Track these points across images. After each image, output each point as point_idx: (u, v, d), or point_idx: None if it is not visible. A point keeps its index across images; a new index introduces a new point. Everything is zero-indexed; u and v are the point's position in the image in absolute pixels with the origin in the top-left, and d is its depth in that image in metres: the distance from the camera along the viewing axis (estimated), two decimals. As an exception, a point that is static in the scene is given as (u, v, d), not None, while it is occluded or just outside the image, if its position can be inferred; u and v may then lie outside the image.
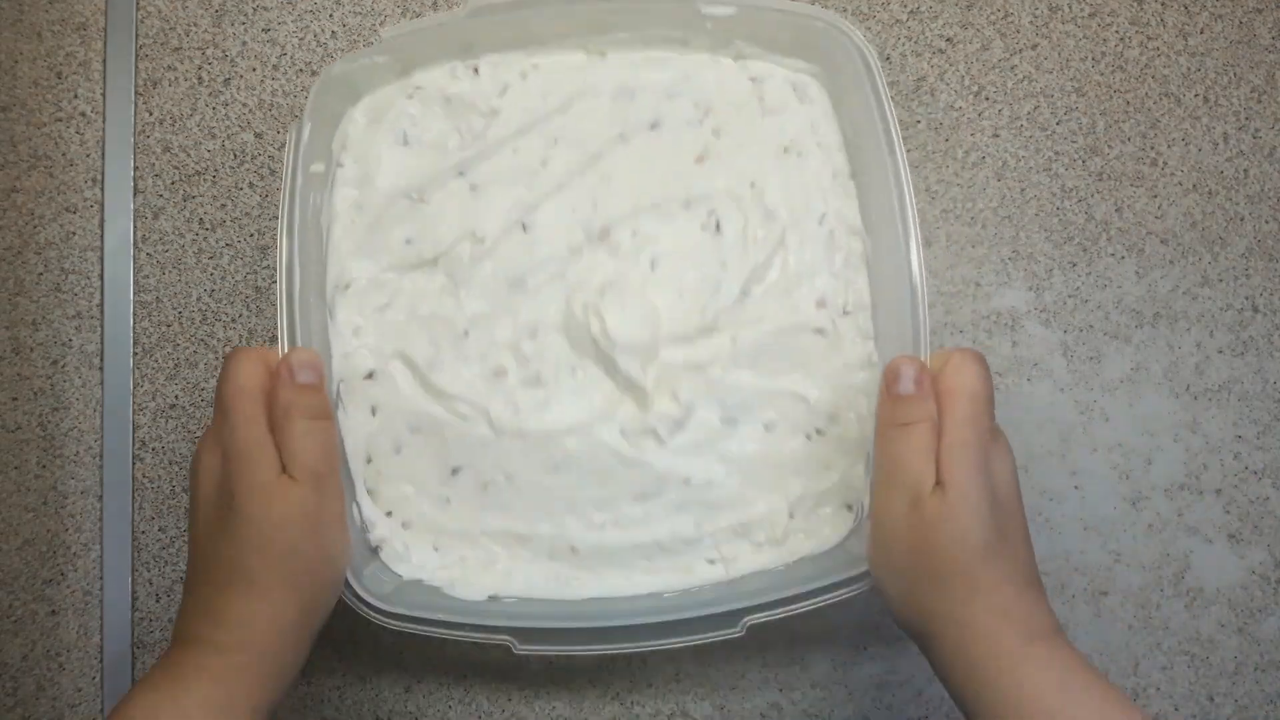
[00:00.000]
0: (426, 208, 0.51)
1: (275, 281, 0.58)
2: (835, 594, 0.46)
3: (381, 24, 0.59)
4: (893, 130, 0.47)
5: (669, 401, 0.50)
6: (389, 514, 0.50)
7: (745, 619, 0.46)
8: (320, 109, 0.49)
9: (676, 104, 0.52)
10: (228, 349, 0.57)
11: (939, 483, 0.41)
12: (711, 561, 0.50)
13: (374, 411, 0.50)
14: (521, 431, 0.50)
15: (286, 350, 0.45)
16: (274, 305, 0.57)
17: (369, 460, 0.50)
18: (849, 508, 0.50)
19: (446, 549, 0.50)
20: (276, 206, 0.58)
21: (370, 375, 0.50)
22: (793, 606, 0.46)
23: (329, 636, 0.57)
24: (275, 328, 0.57)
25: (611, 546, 0.50)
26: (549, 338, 0.51)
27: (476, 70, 0.52)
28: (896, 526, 0.42)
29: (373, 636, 0.54)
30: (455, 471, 0.50)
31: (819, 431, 0.50)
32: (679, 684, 0.56)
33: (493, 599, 0.49)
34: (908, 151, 0.58)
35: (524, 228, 0.51)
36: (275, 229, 0.58)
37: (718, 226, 0.51)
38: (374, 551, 0.49)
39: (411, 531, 0.50)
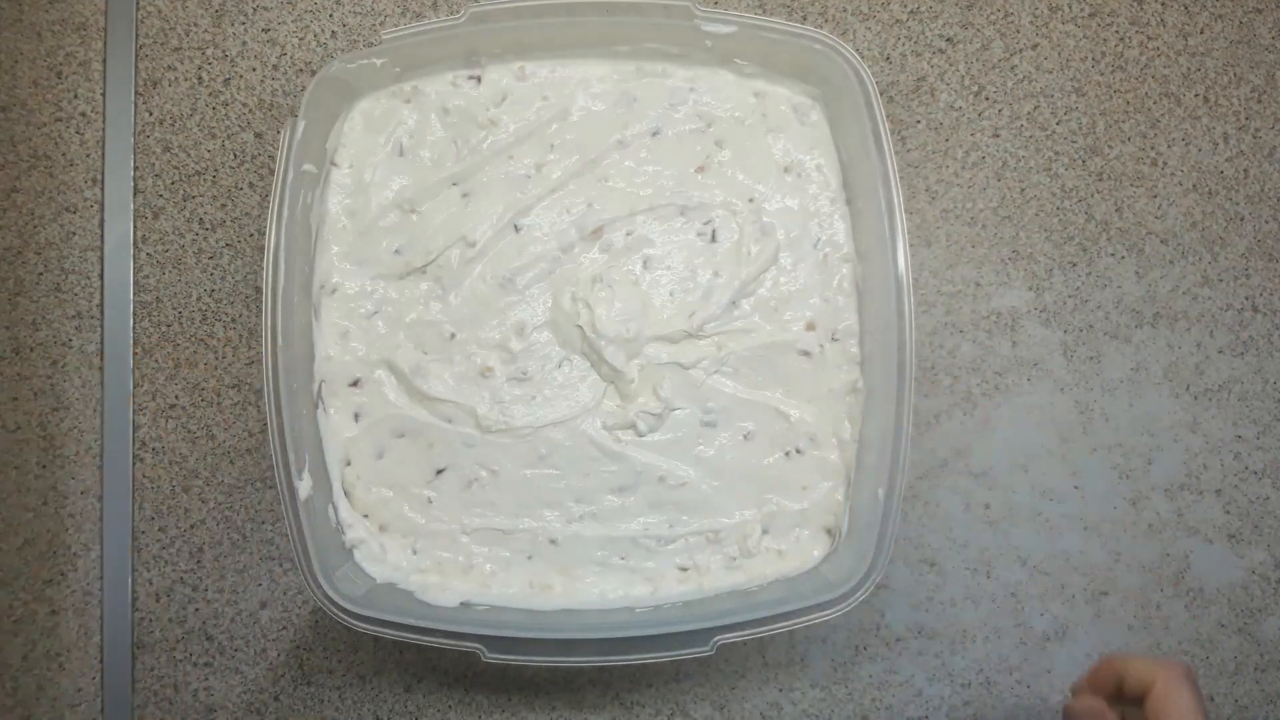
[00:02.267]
0: (418, 217, 0.52)
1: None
2: (807, 617, 0.46)
3: (381, 24, 0.59)
4: (888, 157, 0.48)
5: (650, 396, 0.51)
6: (366, 516, 0.51)
7: (717, 638, 0.46)
8: (316, 107, 0.49)
9: (679, 113, 0.53)
10: (228, 349, 0.57)
11: None
12: (684, 569, 0.51)
13: (357, 418, 0.51)
14: (508, 427, 0.50)
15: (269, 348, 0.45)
16: (274, 305, 0.57)
17: (348, 463, 0.50)
18: (828, 532, 0.51)
19: (424, 551, 0.51)
20: (276, 206, 0.58)
21: (355, 383, 0.51)
22: (764, 628, 0.46)
23: (329, 638, 0.57)
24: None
25: (589, 538, 0.50)
26: (536, 334, 0.51)
27: (479, 80, 0.52)
28: None
29: (372, 637, 0.54)
30: (439, 472, 0.51)
31: (798, 450, 0.51)
32: (679, 684, 0.56)
33: (464, 606, 0.49)
34: (908, 152, 0.59)
35: (515, 229, 0.52)
36: (275, 229, 0.58)
37: (713, 236, 0.52)
38: (349, 553, 0.50)
39: (389, 534, 0.51)
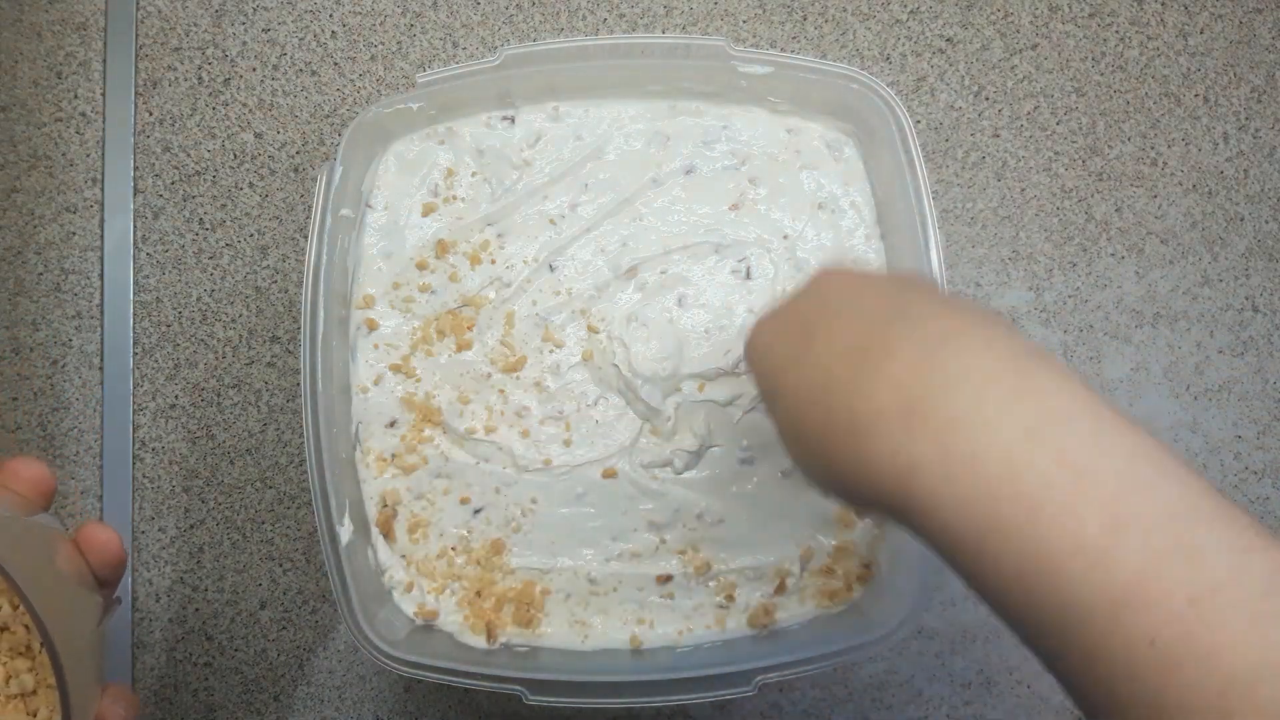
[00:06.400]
0: (453, 257, 0.52)
1: (275, 286, 0.58)
2: (850, 656, 0.46)
3: (381, 24, 0.59)
4: (925, 197, 0.48)
5: (687, 434, 0.51)
6: (403, 557, 0.50)
7: (758, 678, 0.46)
8: (353, 153, 0.49)
9: (713, 150, 0.53)
10: (228, 349, 0.57)
11: None
12: (722, 606, 0.50)
13: (394, 458, 0.51)
14: (545, 467, 0.50)
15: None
16: (273, 305, 0.57)
17: (384, 504, 0.50)
18: (867, 569, 0.51)
19: (462, 591, 0.50)
20: (276, 206, 0.58)
21: (392, 424, 0.51)
22: (805, 668, 0.46)
23: (329, 641, 0.57)
24: (275, 329, 0.57)
25: (627, 576, 0.50)
26: (572, 373, 0.51)
27: (513, 120, 0.52)
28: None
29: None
30: (477, 512, 0.51)
31: None
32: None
33: (504, 646, 0.49)
34: (908, 151, 0.59)
35: (550, 268, 0.52)
36: (274, 229, 0.58)
37: (748, 273, 0.52)
38: (388, 594, 0.50)
39: (427, 576, 0.50)
